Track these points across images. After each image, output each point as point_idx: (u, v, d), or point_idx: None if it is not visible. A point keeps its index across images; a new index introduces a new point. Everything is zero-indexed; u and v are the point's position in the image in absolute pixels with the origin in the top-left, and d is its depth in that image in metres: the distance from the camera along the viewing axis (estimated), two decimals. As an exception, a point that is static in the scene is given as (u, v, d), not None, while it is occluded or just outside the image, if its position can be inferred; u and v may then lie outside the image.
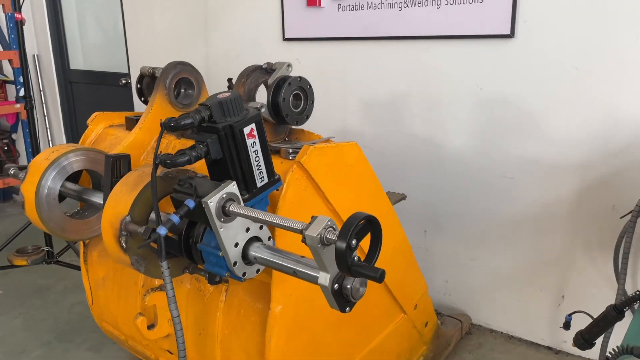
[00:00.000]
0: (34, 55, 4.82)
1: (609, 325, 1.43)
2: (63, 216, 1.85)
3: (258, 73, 1.87)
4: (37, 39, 4.80)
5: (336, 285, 1.17)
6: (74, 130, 4.97)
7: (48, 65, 4.78)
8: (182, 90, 2.17)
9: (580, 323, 1.65)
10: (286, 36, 3.16)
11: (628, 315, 1.42)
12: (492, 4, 2.43)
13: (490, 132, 2.58)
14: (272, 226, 1.38)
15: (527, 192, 2.54)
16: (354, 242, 1.07)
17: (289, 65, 1.83)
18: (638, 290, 1.35)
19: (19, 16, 3.04)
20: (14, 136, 4.78)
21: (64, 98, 4.82)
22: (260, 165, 1.39)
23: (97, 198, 1.85)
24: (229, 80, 2.29)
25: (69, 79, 4.85)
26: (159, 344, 2.04)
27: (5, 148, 4.62)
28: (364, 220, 1.07)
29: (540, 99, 2.41)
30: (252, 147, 1.36)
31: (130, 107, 4.25)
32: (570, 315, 1.79)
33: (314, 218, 1.14)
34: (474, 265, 2.79)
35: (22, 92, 4.29)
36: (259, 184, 1.40)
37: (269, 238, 1.45)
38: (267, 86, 1.87)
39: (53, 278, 3.41)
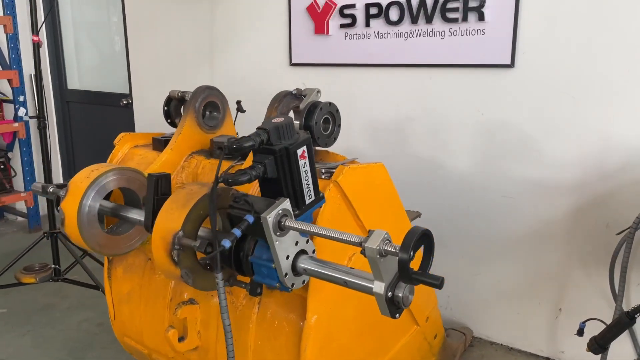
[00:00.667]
0: (30, 75, 4.84)
1: (622, 330, 1.58)
2: (101, 233, 1.92)
3: (289, 98, 2.00)
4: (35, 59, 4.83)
5: (389, 293, 1.28)
6: (69, 149, 4.99)
7: (45, 85, 4.81)
8: (208, 112, 2.28)
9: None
10: (293, 61, 3.31)
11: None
12: (493, 37, 2.62)
13: (491, 154, 2.76)
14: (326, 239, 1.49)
15: (526, 211, 2.71)
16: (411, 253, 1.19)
17: (318, 92, 1.97)
18: (648, 298, 1.51)
19: (37, 39, 3.11)
20: (9, 155, 4.78)
21: (60, 117, 4.85)
22: (309, 184, 1.51)
23: (133, 214, 1.93)
24: (238, 102, 2.42)
25: (65, 98, 4.89)
26: (187, 356, 2.11)
27: (2, 167, 4.61)
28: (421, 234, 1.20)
29: (538, 125, 2.60)
30: (303, 167, 1.48)
31: (130, 127, 4.32)
32: (584, 322, 1.93)
33: (371, 232, 1.26)
34: (475, 281, 2.94)
35: (21, 112, 4.34)
36: (307, 201, 1.52)
37: (313, 251, 1.56)
38: (296, 111, 2.00)
39: (57, 296, 3.42)
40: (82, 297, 3.37)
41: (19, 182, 4.81)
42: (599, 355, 2.16)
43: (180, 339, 2.03)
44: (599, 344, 1.64)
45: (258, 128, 1.43)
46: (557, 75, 2.50)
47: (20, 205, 4.88)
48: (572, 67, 2.46)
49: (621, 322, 1.57)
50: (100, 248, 1.94)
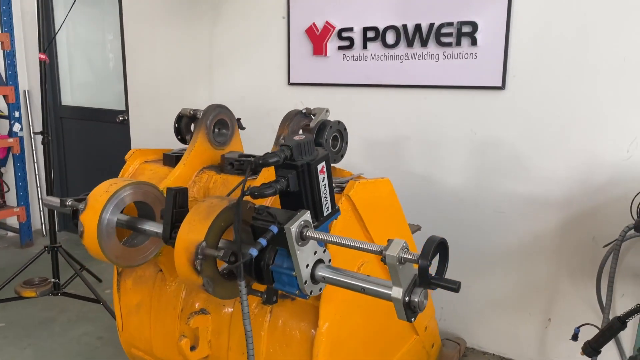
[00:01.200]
0: (24, 91, 4.88)
1: (614, 334, 1.70)
2: (118, 245, 1.99)
3: (299, 117, 2.11)
4: (29, 75, 4.88)
5: (407, 298, 1.39)
6: (62, 164, 5.02)
7: (39, 101, 4.84)
8: (217, 129, 2.37)
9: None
10: (291, 81, 3.43)
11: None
12: (485, 60, 2.78)
13: (484, 171, 2.90)
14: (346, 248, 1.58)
15: (517, 225, 2.85)
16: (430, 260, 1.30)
17: (327, 111, 2.08)
18: (638, 304, 1.64)
19: (43, 56, 3.18)
20: (2, 170, 4.78)
21: (54, 133, 4.88)
22: (327, 197, 1.61)
23: (150, 227, 2.00)
24: (238, 120, 2.51)
25: (59, 114, 4.93)
26: (197, 366, 2.18)
27: (-5, 182, 4.63)
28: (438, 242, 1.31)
29: (528, 143, 2.75)
30: (322, 182, 1.58)
31: (126, 144, 4.38)
32: (578, 327, 2.06)
33: (390, 241, 1.37)
34: (468, 293, 3.05)
35: (16, 127, 4.36)
36: (325, 213, 1.62)
37: (329, 260, 1.66)
38: (305, 129, 2.11)
39: (55, 310, 3.44)
40: (82, 311, 3.40)
41: (11, 197, 4.82)
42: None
43: (192, 348, 2.10)
44: (593, 348, 1.76)
45: (281, 145, 1.54)
46: (546, 97, 2.66)
47: (12, 221, 4.88)
48: (560, 90, 2.62)
49: (613, 327, 1.69)
50: (117, 259, 2.01)
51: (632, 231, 2.29)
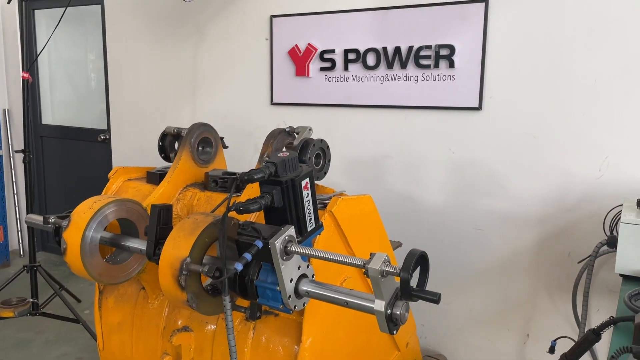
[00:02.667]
0: (4, 110, 4.86)
1: (589, 346, 1.75)
2: (102, 262, 1.99)
3: (283, 135, 2.15)
4: (9, 94, 4.86)
5: (389, 311, 1.42)
6: (41, 184, 4.97)
7: (20, 120, 4.82)
8: (200, 148, 2.40)
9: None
10: (274, 101, 3.48)
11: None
12: (462, 82, 2.87)
13: (462, 189, 2.96)
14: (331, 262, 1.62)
15: (495, 242, 2.91)
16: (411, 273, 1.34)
17: (310, 129, 2.13)
18: (611, 316, 1.69)
19: (26, 75, 3.18)
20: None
21: (34, 152, 4.84)
22: (310, 213, 1.65)
23: (134, 244, 2.01)
24: (221, 139, 2.54)
25: (40, 133, 4.90)
26: (180, 384, 2.17)
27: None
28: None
29: (504, 162, 2.83)
30: (306, 198, 1.62)
31: (107, 162, 4.37)
32: (555, 340, 2.10)
33: (372, 255, 1.41)
34: (448, 310, 3.10)
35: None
36: (309, 228, 1.65)
37: (313, 275, 1.69)
38: (289, 147, 2.15)
39: (32, 331, 3.39)
40: (60, 332, 3.35)
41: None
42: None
43: (175, 365, 2.09)
44: (569, 360, 1.81)
45: (266, 161, 1.57)
46: (521, 117, 2.75)
47: (-13, 241, 4.81)
48: (535, 111, 2.71)
49: (588, 339, 1.74)
50: (100, 277, 2.00)
51: (605, 247, 2.36)
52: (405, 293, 1.33)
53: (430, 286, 1.41)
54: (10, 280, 3.45)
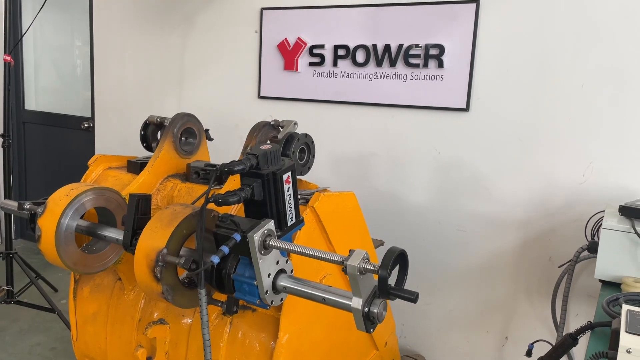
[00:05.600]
0: (-14, 93, 4.76)
1: (566, 350, 1.75)
2: (77, 251, 1.95)
3: (267, 128, 2.12)
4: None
5: (366, 309, 1.40)
6: (22, 169, 4.89)
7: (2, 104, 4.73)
8: (184, 138, 2.36)
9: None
10: (262, 94, 3.44)
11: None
12: (451, 82, 2.86)
13: (447, 190, 2.96)
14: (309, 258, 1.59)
15: (477, 244, 2.91)
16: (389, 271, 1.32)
17: (295, 123, 2.10)
18: (589, 321, 1.69)
19: (8, 58, 3.12)
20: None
21: (15, 138, 4.76)
22: (291, 207, 1.62)
23: (110, 233, 1.97)
24: (206, 130, 2.51)
25: (22, 119, 4.82)
26: (154, 377, 2.13)
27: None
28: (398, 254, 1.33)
29: (490, 164, 2.83)
30: (287, 192, 1.60)
31: (90, 150, 4.30)
32: (532, 343, 2.10)
33: (352, 251, 1.39)
34: (428, 310, 3.09)
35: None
36: (289, 223, 1.63)
37: (292, 271, 1.66)
38: (273, 140, 2.12)
39: (6, 319, 3.32)
40: (35, 321, 3.29)
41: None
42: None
43: (149, 358, 2.06)
44: (546, 363, 1.80)
45: (247, 153, 1.54)
46: (508, 120, 2.75)
47: (-35, 227, 4.71)
48: (521, 114, 2.71)
49: (565, 343, 1.74)
50: (75, 266, 1.96)
51: (586, 252, 2.36)
52: (383, 291, 1.31)
53: (411, 285, 1.39)
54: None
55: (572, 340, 1.72)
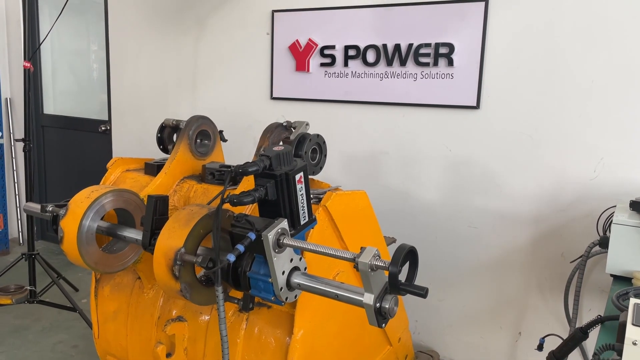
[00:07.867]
0: (6, 99, 4.88)
1: (577, 344, 1.77)
2: (98, 251, 2.02)
3: (280, 129, 2.17)
4: (12, 83, 4.89)
5: (378, 304, 1.44)
6: (42, 173, 5.00)
7: (20, 109, 4.84)
8: (199, 140, 2.42)
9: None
10: (274, 95, 3.50)
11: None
12: (461, 81, 2.88)
13: (458, 187, 2.98)
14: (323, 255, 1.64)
15: (489, 240, 2.93)
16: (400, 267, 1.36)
17: (307, 124, 2.15)
18: (599, 315, 1.71)
19: (28, 65, 3.20)
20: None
21: (35, 142, 4.87)
22: (304, 207, 1.67)
23: (130, 234, 2.04)
24: (220, 132, 2.56)
25: (41, 123, 4.93)
26: (173, 373, 2.19)
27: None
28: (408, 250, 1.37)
29: (500, 161, 2.85)
30: (300, 191, 1.64)
31: (107, 153, 4.39)
32: (543, 338, 2.13)
33: (363, 249, 1.43)
34: (441, 306, 3.12)
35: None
36: (302, 222, 1.67)
37: (305, 268, 1.71)
38: (285, 141, 2.17)
39: (29, 318, 3.42)
40: (57, 320, 3.38)
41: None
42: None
43: (168, 355, 2.12)
44: (557, 357, 1.82)
45: (261, 155, 1.59)
46: (518, 117, 2.77)
47: (-14, 229, 4.84)
48: (531, 111, 2.73)
49: (576, 337, 1.76)
50: (96, 265, 2.03)
51: (598, 247, 2.38)
52: (394, 287, 1.35)
53: (423, 282, 1.43)
54: (9, 267, 3.48)
55: (582, 334, 1.75)
